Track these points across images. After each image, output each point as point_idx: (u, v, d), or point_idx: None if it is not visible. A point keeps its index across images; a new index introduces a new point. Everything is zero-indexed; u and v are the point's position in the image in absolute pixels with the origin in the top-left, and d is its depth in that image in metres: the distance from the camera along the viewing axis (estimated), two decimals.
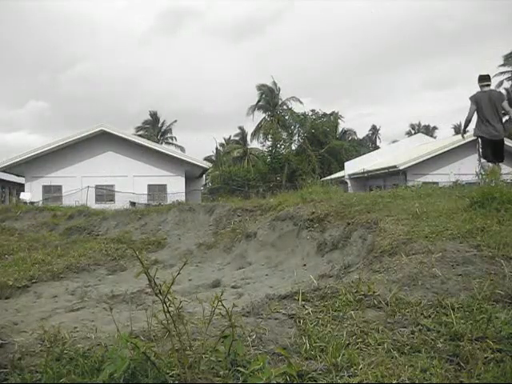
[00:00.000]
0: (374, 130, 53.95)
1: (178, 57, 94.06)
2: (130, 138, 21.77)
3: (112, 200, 19.50)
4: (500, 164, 6.53)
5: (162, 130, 42.03)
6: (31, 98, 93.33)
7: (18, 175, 23.02)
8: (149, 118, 42.03)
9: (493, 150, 6.28)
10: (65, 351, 1.64)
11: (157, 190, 21.40)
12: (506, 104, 6.51)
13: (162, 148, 24.11)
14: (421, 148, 24.13)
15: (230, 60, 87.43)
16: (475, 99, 6.40)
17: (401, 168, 20.70)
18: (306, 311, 2.06)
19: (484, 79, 6.57)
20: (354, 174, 24.95)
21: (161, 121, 41.99)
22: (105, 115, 74.37)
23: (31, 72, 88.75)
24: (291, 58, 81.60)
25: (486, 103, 6.34)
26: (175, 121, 42.01)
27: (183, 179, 21.71)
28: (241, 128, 40.32)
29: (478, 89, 6.47)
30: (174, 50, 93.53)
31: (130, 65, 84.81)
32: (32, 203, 13.24)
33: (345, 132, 41.31)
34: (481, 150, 6.39)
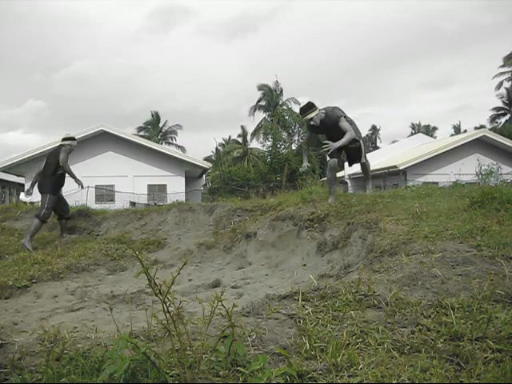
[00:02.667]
0: (374, 130, 53.96)
1: (174, 56, 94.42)
2: (130, 138, 21.77)
3: (112, 200, 19.49)
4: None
5: (163, 131, 42.03)
6: (29, 98, 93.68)
7: (18, 175, 23.02)
8: (150, 118, 42.04)
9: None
10: (65, 351, 1.64)
11: (157, 190, 21.40)
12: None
13: (162, 148, 24.11)
14: (421, 148, 24.16)
15: (227, 59, 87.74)
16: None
17: (401, 168, 20.73)
18: (306, 311, 2.06)
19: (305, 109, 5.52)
20: (353, 174, 24.95)
21: (162, 121, 42.02)
22: (101, 115, 74.50)
23: (30, 71, 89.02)
24: (290, 58, 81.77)
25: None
26: (177, 124, 42.02)
27: (183, 179, 21.71)
28: (243, 127, 40.31)
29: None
30: (170, 48, 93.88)
31: (126, 64, 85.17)
32: (32, 203, 13.23)
33: None
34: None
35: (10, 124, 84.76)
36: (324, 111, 5.55)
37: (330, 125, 5.46)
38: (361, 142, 5.66)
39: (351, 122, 5.59)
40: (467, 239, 3.11)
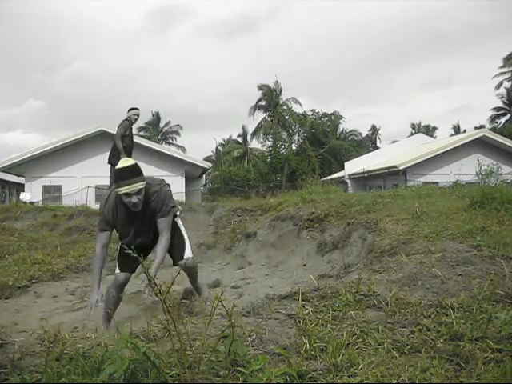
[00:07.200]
0: (374, 130, 53.90)
1: (174, 55, 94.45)
2: None
3: None
4: None
5: (164, 131, 42.03)
6: (29, 98, 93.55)
7: (18, 175, 23.02)
8: (151, 118, 42.02)
9: None
10: (65, 351, 1.64)
11: None
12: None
13: (162, 148, 24.11)
14: (421, 148, 24.12)
15: (227, 59, 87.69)
16: None
17: (401, 168, 20.69)
18: (306, 311, 2.06)
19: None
20: (353, 174, 24.94)
21: (163, 121, 42.00)
22: (101, 114, 74.23)
23: (30, 71, 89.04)
24: (290, 58, 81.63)
25: None
26: (178, 125, 42.01)
27: (183, 179, 21.69)
28: (243, 127, 40.24)
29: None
30: (170, 48, 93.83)
31: (126, 64, 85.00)
32: (32, 203, 13.23)
33: (347, 133, 41.25)
34: None
35: (9, 124, 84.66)
36: None
37: None
38: None
39: None
40: (467, 239, 3.11)
